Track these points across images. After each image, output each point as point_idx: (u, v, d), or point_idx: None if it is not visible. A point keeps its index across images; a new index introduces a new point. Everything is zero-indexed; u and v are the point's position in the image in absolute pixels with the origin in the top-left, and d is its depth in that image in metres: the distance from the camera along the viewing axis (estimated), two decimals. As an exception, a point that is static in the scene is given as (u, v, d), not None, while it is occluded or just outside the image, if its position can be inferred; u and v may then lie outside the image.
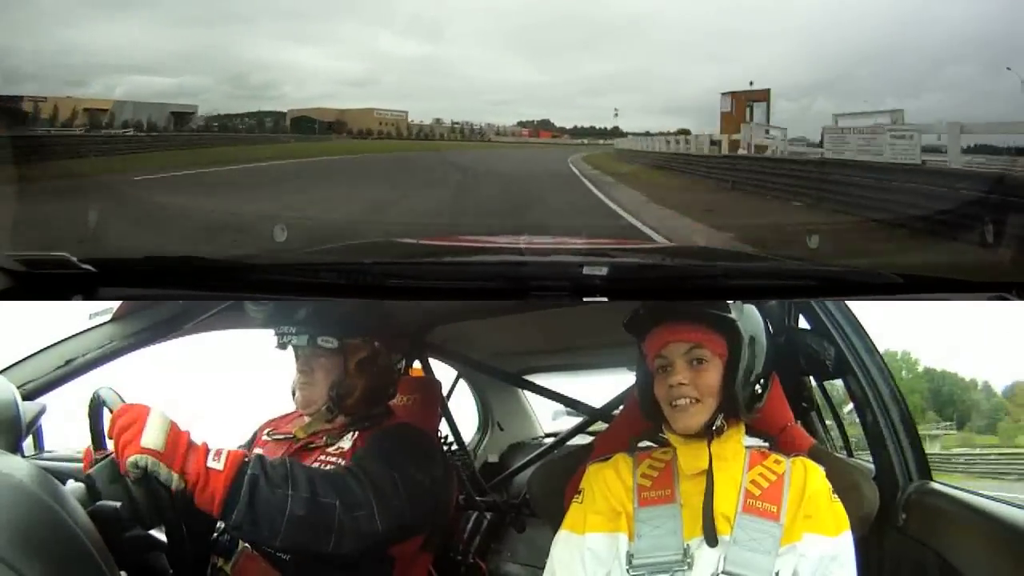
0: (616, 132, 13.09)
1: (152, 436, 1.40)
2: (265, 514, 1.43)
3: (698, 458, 1.43)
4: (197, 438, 1.46)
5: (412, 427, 1.86)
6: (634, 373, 1.60)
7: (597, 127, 13.15)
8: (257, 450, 1.92)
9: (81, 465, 1.67)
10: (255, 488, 1.42)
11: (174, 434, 1.42)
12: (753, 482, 1.43)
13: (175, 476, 1.40)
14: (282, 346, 1.84)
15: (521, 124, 13.18)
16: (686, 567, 1.38)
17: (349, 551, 1.53)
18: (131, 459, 1.38)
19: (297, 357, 1.86)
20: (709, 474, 1.42)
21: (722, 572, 1.36)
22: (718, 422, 1.44)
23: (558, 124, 13.18)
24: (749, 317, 1.48)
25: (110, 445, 1.53)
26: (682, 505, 1.43)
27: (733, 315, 1.45)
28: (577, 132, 13.14)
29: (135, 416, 1.42)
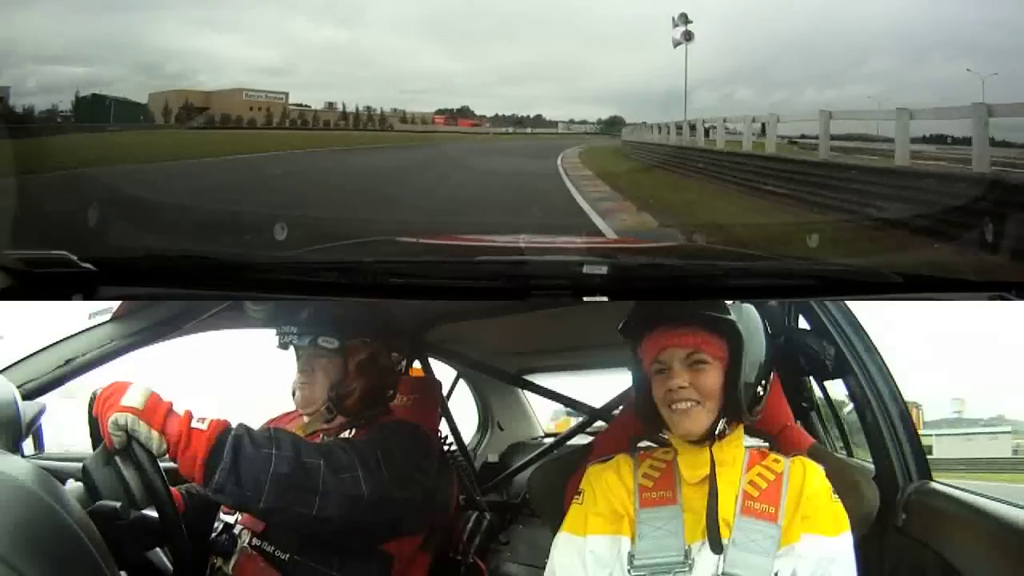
0: (540, 121, 12.71)
1: (131, 397, 1.41)
2: (249, 473, 1.41)
3: (700, 465, 1.42)
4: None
5: (406, 422, 1.86)
6: (635, 373, 1.60)
7: (519, 115, 12.77)
8: None
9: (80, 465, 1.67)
10: (239, 447, 1.41)
11: (155, 398, 1.43)
12: (751, 483, 1.42)
13: (155, 435, 1.40)
14: (283, 346, 1.84)
15: (440, 112, 12.35)
16: (687, 568, 1.37)
17: (333, 515, 1.50)
18: (111, 418, 1.39)
19: (298, 357, 1.86)
20: (712, 480, 1.41)
21: (721, 574, 1.35)
22: (720, 426, 1.42)
23: (478, 112, 12.69)
24: (748, 317, 1.46)
25: None
26: (684, 509, 1.42)
27: (732, 316, 1.42)
28: (498, 121, 12.72)
29: (116, 386, 1.44)
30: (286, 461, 1.45)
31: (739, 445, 1.46)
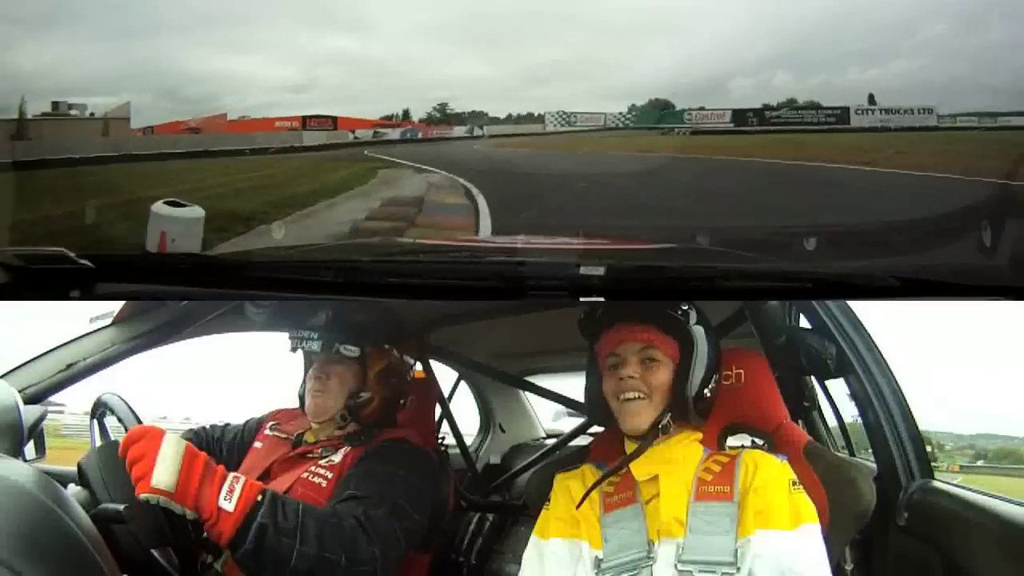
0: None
1: (164, 475, 1.36)
2: (269, 561, 1.41)
3: (648, 463, 1.45)
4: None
5: (407, 444, 1.80)
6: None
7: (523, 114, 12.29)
8: (258, 444, 1.90)
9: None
10: (262, 536, 1.40)
11: (186, 467, 1.37)
12: (705, 470, 1.43)
13: (188, 512, 1.38)
14: (294, 349, 1.82)
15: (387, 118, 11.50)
16: (651, 562, 1.38)
17: None
18: (143, 496, 1.36)
19: (310, 363, 1.84)
20: (658, 478, 1.43)
21: (679, 562, 1.34)
22: (664, 421, 1.46)
23: (492, 115, 12.09)
24: (702, 322, 1.51)
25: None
26: (644, 505, 1.44)
27: (689, 320, 1.48)
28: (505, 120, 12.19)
29: (147, 446, 1.37)
30: (306, 558, 1.42)
31: (692, 444, 1.49)
